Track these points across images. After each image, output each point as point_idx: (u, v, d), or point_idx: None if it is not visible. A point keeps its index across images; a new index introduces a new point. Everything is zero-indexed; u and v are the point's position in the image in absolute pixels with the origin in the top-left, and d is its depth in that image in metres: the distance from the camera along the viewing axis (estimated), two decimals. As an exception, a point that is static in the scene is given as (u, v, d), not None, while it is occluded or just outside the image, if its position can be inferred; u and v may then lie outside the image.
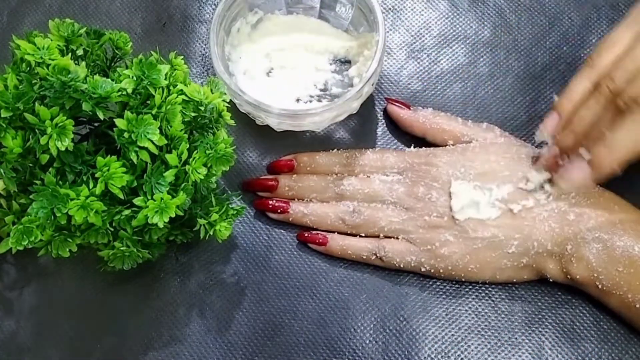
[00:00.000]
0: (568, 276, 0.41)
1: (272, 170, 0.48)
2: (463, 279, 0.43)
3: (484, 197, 0.42)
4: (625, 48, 0.39)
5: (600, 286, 0.40)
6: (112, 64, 0.41)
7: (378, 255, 0.44)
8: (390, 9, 0.52)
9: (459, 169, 0.43)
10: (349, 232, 0.45)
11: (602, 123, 0.38)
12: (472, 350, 0.43)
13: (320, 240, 0.45)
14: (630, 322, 0.41)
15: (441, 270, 0.43)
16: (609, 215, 0.41)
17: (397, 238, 0.44)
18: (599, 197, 0.42)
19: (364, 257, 0.44)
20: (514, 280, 0.43)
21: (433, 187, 0.43)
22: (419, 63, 0.50)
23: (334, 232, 0.45)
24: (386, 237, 0.44)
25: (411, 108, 0.47)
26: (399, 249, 0.43)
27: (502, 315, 0.43)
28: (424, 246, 0.43)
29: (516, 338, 0.43)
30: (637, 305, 0.39)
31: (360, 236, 0.45)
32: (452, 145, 0.45)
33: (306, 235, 0.46)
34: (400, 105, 0.47)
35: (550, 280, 0.42)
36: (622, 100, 0.37)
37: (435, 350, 0.43)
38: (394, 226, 0.44)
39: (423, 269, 0.43)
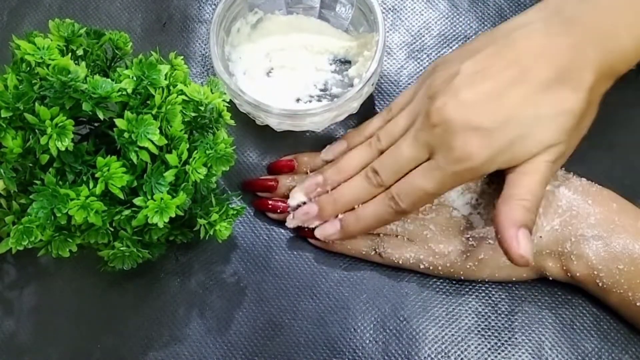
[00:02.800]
0: (568, 274, 0.41)
1: (272, 171, 0.48)
2: (462, 277, 0.43)
3: (475, 195, 0.42)
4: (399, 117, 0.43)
5: (600, 284, 0.40)
6: (112, 64, 0.41)
7: (377, 250, 0.44)
8: (390, 9, 0.52)
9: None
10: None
11: (357, 196, 0.43)
12: (472, 350, 0.43)
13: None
14: (630, 320, 0.41)
15: (440, 268, 0.43)
16: (609, 213, 0.41)
17: (397, 236, 0.44)
18: (598, 195, 0.42)
19: (363, 252, 0.45)
20: (513, 279, 0.43)
21: None
22: (419, 63, 0.50)
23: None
24: (386, 234, 0.44)
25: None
26: (398, 245, 0.44)
27: (502, 315, 0.43)
28: (422, 243, 0.43)
29: (516, 338, 0.43)
30: (638, 304, 0.39)
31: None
32: None
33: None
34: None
35: (550, 278, 0.42)
36: (377, 182, 0.42)
37: (435, 350, 0.43)
38: (393, 225, 0.44)
39: (422, 266, 0.43)
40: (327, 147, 0.47)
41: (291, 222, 0.45)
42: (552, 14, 0.39)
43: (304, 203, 0.45)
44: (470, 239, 0.42)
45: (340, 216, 0.44)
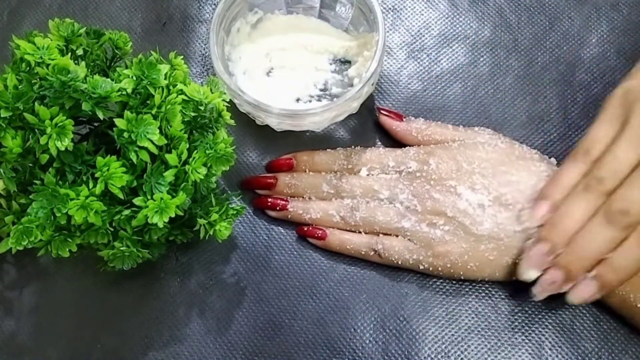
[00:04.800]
0: None
1: (271, 169, 0.48)
2: (462, 277, 0.43)
3: (483, 195, 0.42)
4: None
5: None
6: (112, 64, 0.41)
7: (376, 251, 0.44)
8: (390, 9, 0.52)
9: (457, 168, 0.43)
10: (347, 229, 0.45)
11: (604, 244, 0.38)
12: (472, 350, 0.43)
13: (319, 235, 0.45)
14: (631, 322, 0.41)
15: (440, 268, 0.43)
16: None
17: (397, 236, 0.44)
18: None
19: (363, 252, 0.45)
20: (514, 279, 0.43)
21: (431, 185, 0.43)
22: (419, 63, 0.50)
23: (333, 228, 0.45)
24: (385, 234, 0.44)
25: (403, 118, 0.47)
26: (398, 246, 0.43)
27: (502, 315, 0.43)
28: (422, 244, 0.43)
29: (516, 338, 0.43)
30: (639, 305, 0.39)
31: (360, 232, 0.45)
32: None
33: (305, 229, 0.46)
34: (393, 117, 0.47)
35: None
36: (611, 214, 0.38)
37: (435, 350, 0.43)
38: (392, 224, 0.44)
39: (421, 267, 0.43)
40: (529, 211, 0.41)
41: (540, 295, 0.41)
42: None
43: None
44: (473, 239, 0.42)
45: (593, 273, 0.39)
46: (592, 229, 0.38)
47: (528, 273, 0.40)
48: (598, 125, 0.40)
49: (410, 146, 0.46)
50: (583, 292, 0.39)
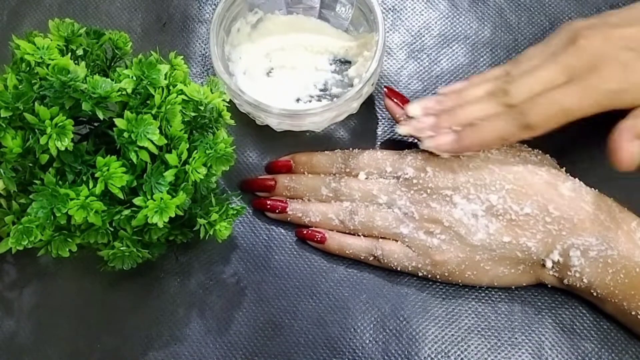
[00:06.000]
0: (564, 283, 0.41)
1: (270, 171, 0.48)
2: (461, 284, 0.43)
3: (477, 205, 0.42)
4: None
5: (595, 294, 0.40)
6: (112, 64, 0.41)
7: (376, 257, 0.44)
8: (390, 9, 0.52)
9: (453, 177, 0.42)
10: (346, 231, 0.45)
11: (478, 112, 0.41)
12: (472, 350, 0.43)
13: (319, 238, 0.45)
14: (627, 326, 0.42)
15: (438, 276, 0.43)
16: (601, 226, 0.40)
17: (395, 240, 0.44)
18: (595, 199, 0.41)
19: (362, 257, 0.44)
20: (513, 287, 0.43)
21: (429, 194, 0.43)
22: (419, 63, 0.50)
23: (332, 231, 0.45)
24: (384, 239, 0.44)
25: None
26: (397, 252, 0.43)
27: (502, 315, 0.43)
28: (420, 252, 0.43)
29: (516, 338, 0.43)
30: (633, 313, 0.39)
31: (359, 236, 0.45)
32: None
33: (304, 232, 0.46)
34: (398, 102, 0.46)
35: (549, 286, 0.42)
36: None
37: (435, 350, 0.43)
38: (391, 229, 0.43)
39: (420, 273, 0.43)
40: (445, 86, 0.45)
41: (403, 128, 0.43)
42: None
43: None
44: (469, 249, 0.42)
45: (455, 128, 0.41)
46: (478, 100, 0.41)
47: (411, 108, 0.43)
48: (530, 48, 0.43)
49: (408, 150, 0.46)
50: (441, 139, 0.42)
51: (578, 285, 0.40)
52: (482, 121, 0.41)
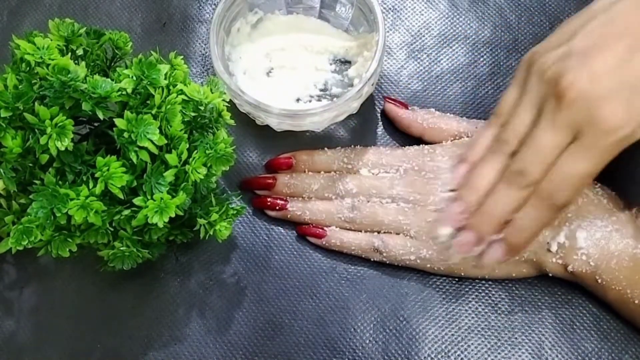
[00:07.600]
0: (567, 269, 0.41)
1: (270, 168, 0.48)
2: (462, 274, 0.43)
3: None
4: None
5: (599, 280, 0.40)
6: (112, 64, 0.41)
7: (377, 248, 0.44)
8: (390, 9, 0.52)
9: None
10: (348, 228, 0.45)
11: (508, 205, 0.39)
12: (472, 350, 0.43)
13: (319, 233, 0.45)
14: (627, 318, 0.42)
15: (441, 267, 0.43)
16: (604, 209, 0.41)
17: (398, 234, 0.44)
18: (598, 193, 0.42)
19: (364, 251, 0.45)
20: (513, 275, 0.43)
21: (432, 183, 0.43)
22: (419, 63, 0.50)
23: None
24: (386, 232, 0.44)
25: (409, 108, 0.47)
26: (400, 243, 0.44)
27: (502, 315, 0.43)
28: (424, 240, 0.43)
29: (516, 338, 0.43)
30: (636, 301, 0.39)
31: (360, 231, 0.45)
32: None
33: (305, 228, 0.46)
34: (399, 105, 0.47)
35: (550, 275, 0.42)
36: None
37: (435, 350, 0.43)
38: (393, 223, 0.44)
39: (423, 263, 0.43)
40: (445, 178, 0.43)
41: (455, 258, 0.42)
42: None
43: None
44: None
45: (500, 235, 0.40)
46: (497, 191, 0.39)
47: (441, 231, 0.41)
48: (508, 90, 0.41)
49: (414, 136, 0.47)
50: (493, 254, 0.40)
51: (583, 271, 0.40)
52: (520, 217, 0.39)
